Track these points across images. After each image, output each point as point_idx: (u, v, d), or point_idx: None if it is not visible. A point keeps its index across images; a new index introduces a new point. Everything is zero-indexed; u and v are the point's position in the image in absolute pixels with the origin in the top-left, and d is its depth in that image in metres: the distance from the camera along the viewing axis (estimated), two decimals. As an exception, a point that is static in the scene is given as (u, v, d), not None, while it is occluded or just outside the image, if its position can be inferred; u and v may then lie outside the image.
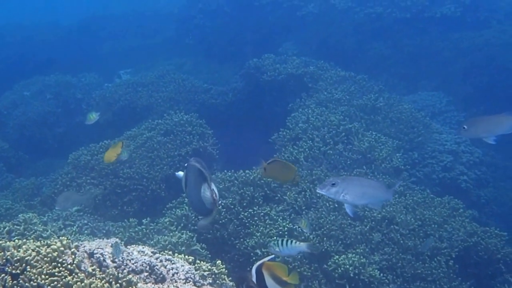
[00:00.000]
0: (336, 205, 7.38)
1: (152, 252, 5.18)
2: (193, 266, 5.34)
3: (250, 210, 7.38)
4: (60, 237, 4.76)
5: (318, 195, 7.53)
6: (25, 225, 6.66)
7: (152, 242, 6.73)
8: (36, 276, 4.14)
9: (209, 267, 5.42)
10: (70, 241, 4.64)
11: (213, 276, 5.38)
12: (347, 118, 9.53)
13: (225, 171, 8.32)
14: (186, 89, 12.85)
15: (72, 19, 24.36)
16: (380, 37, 14.93)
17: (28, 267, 4.22)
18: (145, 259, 4.94)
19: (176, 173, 7.74)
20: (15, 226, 6.63)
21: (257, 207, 7.47)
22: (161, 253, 5.32)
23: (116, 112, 12.84)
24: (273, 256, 5.78)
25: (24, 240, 4.73)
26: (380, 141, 9.03)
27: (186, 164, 6.16)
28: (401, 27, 14.94)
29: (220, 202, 6.86)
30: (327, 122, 9.25)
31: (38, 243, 4.58)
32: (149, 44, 20.25)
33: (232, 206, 7.44)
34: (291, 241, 5.45)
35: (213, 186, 5.65)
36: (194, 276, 5.15)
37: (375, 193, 5.09)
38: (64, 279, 4.17)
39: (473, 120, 5.95)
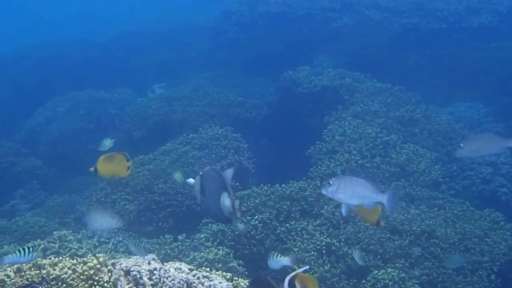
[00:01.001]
0: (375, 219, 7.26)
1: (189, 269, 5.11)
2: (231, 283, 5.26)
3: (287, 225, 7.30)
4: (97, 255, 4.72)
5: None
6: (60, 243, 6.65)
7: (188, 259, 6.66)
8: (72, 294, 4.10)
9: (247, 284, 5.35)
10: (106, 258, 4.59)
11: (250, 293, 5.30)
12: (384, 130, 9.40)
13: (261, 185, 8.25)
14: (220, 102, 12.79)
15: (106, 35, 24.51)
16: (416, 47, 14.79)
17: (64, 285, 4.18)
18: (182, 276, 4.87)
19: (187, 180, 7.71)
20: (50, 243, 6.62)
21: (294, 221, 7.39)
22: (198, 270, 5.24)
23: (150, 127, 12.80)
24: (306, 267, 5.72)
25: (60, 258, 4.70)
26: (418, 154, 8.88)
27: (201, 173, 6.21)
28: (437, 37, 14.79)
29: (241, 208, 6.80)
30: (364, 135, 9.13)
31: (74, 261, 4.54)
32: (182, 58, 20.23)
33: (269, 221, 7.37)
34: (276, 255, 5.44)
35: (232, 195, 5.72)
36: (232, 294, 5.08)
37: (365, 193, 5.08)
38: (100, 298, 4.12)
39: (468, 138, 6.27)
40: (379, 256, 6.83)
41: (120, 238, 7.77)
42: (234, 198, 5.88)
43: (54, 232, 7.07)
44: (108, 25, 28.87)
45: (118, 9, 35.44)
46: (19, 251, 4.83)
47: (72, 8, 41.56)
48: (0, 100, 18.78)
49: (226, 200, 5.76)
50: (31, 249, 5.02)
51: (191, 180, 7.69)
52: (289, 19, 16.28)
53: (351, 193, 5.15)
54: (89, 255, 6.19)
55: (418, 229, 7.20)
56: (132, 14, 29.39)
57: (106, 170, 6.38)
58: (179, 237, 7.33)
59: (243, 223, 7.36)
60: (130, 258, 5.15)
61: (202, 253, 6.79)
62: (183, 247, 7.05)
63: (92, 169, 6.26)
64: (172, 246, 7.10)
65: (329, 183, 5.23)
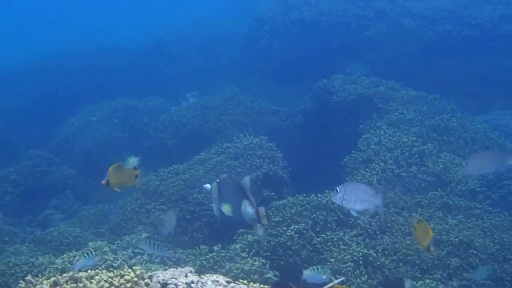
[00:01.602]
0: (412, 229, 7.17)
1: (226, 282, 5.06)
2: (268, 296, 5.22)
3: (323, 235, 7.23)
4: (133, 267, 4.69)
5: (392, 219, 7.40)
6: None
7: (224, 270, 6.62)
8: (110, 308, 4.08)
9: None
10: (143, 271, 4.56)
11: (288, 306, 5.24)
12: (420, 139, 9.28)
13: (297, 195, 8.19)
14: (254, 111, 12.76)
15: (138, 43, 24.64)
16: (450, 55, 14.66)
17: (102, 299, 4.16)
18: (220, 290, 4.83)
19: (204, 185, 7.68)
20: (77, 259, 6.61)
21: (330, 232, 7.32)
22: (236, 282, 5.19)
23: (184, 136, 12.81)
24: (342, 278, 5.69)
25: (97, 270, 4.67)
26: (454, 163, 8.76)
27: (218, 180, 6.23)
28: (471, 45, 14.65)
29: (267, 215, 6.81)
30: (400, 144, 9.03)
31: (111, 274, 4.52)
32: (214, 66, 20.27)
33: (305, 231, 7.30)
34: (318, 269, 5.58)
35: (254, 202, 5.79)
36: (269, 306, 5.03)
37: (366, 197, 5.49)
38: (138, 311, 4.09)
39: (472, 157, 6.40)
40: (416, 267, 6.73)
41: (167, 255, 7.75)
42: (257, 205, 5.96)
43: (90, 243, 7.07)
44: (140, 33, 29.01)
45: (151, 17, 35.60)
46: (87, 255, 4.98)
47: (105, 16, 41.88)
48: (33, 109, 18.93)
49: (247, 208, 5.84)
50: (95, 252, 5.14)
51: (208, 186, 7.71)
52: (322, 27, 16.21)
53: (355, 198, 5.57)
54: (125, 267, 6.18)
55: (456, 240, 7.09)
56: (165, 22, 29.43)
57: (117, 181, 6.43)
58: (214, 247, 7.28)
59: (263, 229, 7.36)
60: (167, 270, 5.11)
61: (238, 264, 6.74)
62: (219, 258, 7.01)
63: (103, 181, 6.31)
64: (207, 257, 7.06)
65: (337, 190, 5.61)
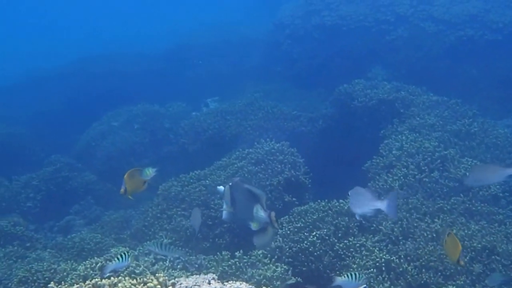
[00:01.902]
0: (434, 235, 7.14)
1: (249, 289, 5.06)
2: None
3: (345, 241, 7.21)
4: (156, 274, 4.69)
5: (415, 225, 7.37)
6: (117, 261, 6.65)
7: (246, 276, 6.61)
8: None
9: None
10: (166, 278, 4.55)
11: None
12: (442, 144, 9.23)
13: (319, 200, 8.17)
14: (275, 116, 12.75)
15: (159, 49, 24.68)
16: (472, 59, 14.56)
17: (125, 306, 4.16)
18: (243, 297, 4.82)
19: (218, 187, 7.69)
20: (107, 261, 6.63)
21: (352, 237, 7.30)
22: (258, 289, 5.20)
23: (205, 141, 12.83)
24: (365, 285, 5.66)
25: (120, 277, 4.67)
26: (477, 168, 8.71)
27: (230, 183, 6.28)
28: (492, 49, 14.53)
29: (277, 220, 6.87)
30: (422, 149, 8.98)
31: (134, 281, 4.51)
32: (235, 71, 20.25)
33: (327, 237, 7.29)
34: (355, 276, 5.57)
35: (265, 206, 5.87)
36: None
37: (363, 201, 5.87)
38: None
39: (472, 168, 6.81)
40: (439, 273, 6.69)
41: (177, 255, 7.75)
42: (269, 210, 6.02)
43: (112, 250, 7.08)
44: (162, 38, 29.07)
45: (172, 23, 35.69)
46: (120, 256, 5.06)
47: (127, 22, 42.06)
48: (55, 114, 19.03)
49: (260, 212, 5.90)
50: (127, 254, 5.20)
51: (221, 187, 7.72)
52: (342, 32, 16.17)
53: (356, 202, 6.02)
54: (147, 274, 6.19)
55: (479, 245, 7.04)
56: (185, 28, 29.48)
57: (133, 188, 6.49)
58: (236, 253, 7.26)
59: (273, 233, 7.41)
60: (189, 277, 5.11)
61: (260, 270, 6.73)
62: (241, 264, 6.99)
63: (122, 190, 6.37)
64: (229, 263, 7.04)
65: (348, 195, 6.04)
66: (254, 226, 6.28)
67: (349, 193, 6.12)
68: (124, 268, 6.23)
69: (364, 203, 5.86)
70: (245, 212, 6.41)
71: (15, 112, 19.71)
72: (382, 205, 5.73)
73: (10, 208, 11.87)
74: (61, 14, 52.67)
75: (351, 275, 5.54)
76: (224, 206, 7.65)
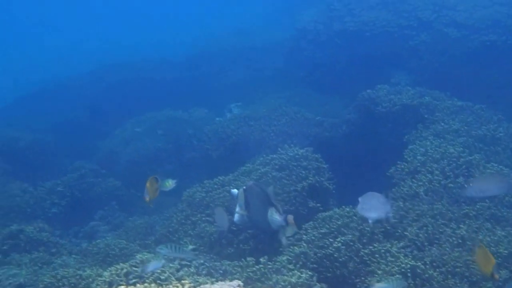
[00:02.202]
0: (460, 241, 7.10)
1: (275, 295, 5.06)
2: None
3: (370, 247, 7.18)
4: (182, 280, 4.69)
5: (440, 230, 7.33)
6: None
7: (271, 282, 6.60)
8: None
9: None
10: (192, 285, 4.56)
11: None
12: (467, 150, 9.18)
13: (343, 206, 8.16)
14: (298, 122, 12.76)
15: (182, 55, 24.76)
16: (495, 64, 14.47)
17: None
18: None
19: (232, 190, 7.73)
20: (132, 268, 6.64)
21: (377, 243, 7.27)
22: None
23: (229, 147, 12.84)
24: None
25: (146, 284, 4.68)
26: (502, 173, 8.65)
27: (245, 187, 6.34)
28: (517, 54, 14.47)
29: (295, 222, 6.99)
30: (447, 154, 8.94)
31: (160, 288, 4.52)
32: (258, 77, 20.26)
33: (352, 243, 7.26)
34: None
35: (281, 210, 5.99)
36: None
37: (379, 205, 6.26)
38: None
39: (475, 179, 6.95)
40: (465, 280, 6.65)
41: (202, 261, 7.76)
42: (285, 213, 6.10)
43: (137, 256, 7.09)
44: (184, 44, 29.17)
45: (194, 29, 35.78)
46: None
47: (149, 28, 42.20)
48: (79, 121, 19.17)
49: (275, 215, 5.99)
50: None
51: (235, 190, 7.75)
52: (365, 37, 16.15)
53: (369, 206, 6.35)
54: (172, 280, 6.20)
55: (505, 252, 6.98)
56: (208, 34, 29.56)
57: (153, 195, 6.61)
58: (261, 259, 7.26)
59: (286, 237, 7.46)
60: (215, 283, 5.11)
61: (285, 276, 6.71)
62: (266, 270, 6.98)
63: (147, 198, 6.49)
64: (254, 269, 7.03)
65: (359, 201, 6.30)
66: None
67: (360, 199, 6.45)
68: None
69: (378, 206, 6.28)
70: (259, 215, 6.47)
71: (39, 119, 19.86)
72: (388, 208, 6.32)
73: (35, 214, 11.95)
74: (84, 22, 52.93)
75: (391, 281, 5.54)
76: (237, 209, 7.72)
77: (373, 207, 6.43)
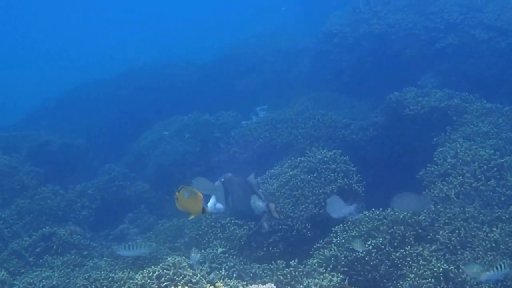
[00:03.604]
0: (494, 245, 7.07)
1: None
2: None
3: (401, 250, 7.17)
4: (216, 284, 4.72)
5: (473, 234, 7.32)
6: (175, 270, 6.70)
7: (302, 286, 6.62)
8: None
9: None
10: (224, 288, 4.59)
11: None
12: (498, 152, 9.12)
13: (373, 209, 8.15)
14: (325, 125, 12.75)
15: (208, 58, 24.82)
16: (524, 66, 14.40)
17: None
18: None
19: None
20: (164, 270, 6.69)
21: (409, 247, 7.26)
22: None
23: (256, 150, 12.89)
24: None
25: (178, 287, 4.71)
26: (534, 176, 8.61)
27: (222, 179, 6.55)
28: (545, 54, 14.38)
29: (277, 209, 7.27)
30: (477, 157, 8.89)
31: (192, 291, 4.55)
32: (284, 80, 20.27)
33: (383, 246, 7.26)
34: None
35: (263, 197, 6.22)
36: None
37: (342, 207, 7.07)
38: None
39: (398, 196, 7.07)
40: (500, 284, 6.62)
41: (232, 264, 7.80)
42: (268, 201, 6.29)
43: (168, 259, 7.14)
44: (210, 47, 29.28)
45: (220, 32, 35.92)
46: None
47: (175, 31, 42.43)
48: (109, 124, 19.31)
49: (258, 201, 6.17)
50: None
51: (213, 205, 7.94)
52: (391, 40, 16.11)
53: (334, 208, 7.18)
54: (203, 283, 6.25)
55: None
56: (233, 37, 29.63)
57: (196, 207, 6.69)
58: (291, 262, 7.28)
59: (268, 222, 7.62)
60: (248, 287, 5.14)
61: (316, 280, 6.73)
62: (296, 273, 7.01)
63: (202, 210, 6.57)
64: (284, 272, 7.06)
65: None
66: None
67: (327, 201, 7.39)
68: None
69: (342, 208, 7.09)
70: (242, 203, 6.65)
71: (70, 122, 20.05)
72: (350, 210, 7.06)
73: (66, 217, 12.05)
74: (111, 26, 53.38)
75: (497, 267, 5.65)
76: (212, 200, 7.89)
77: (337, 208, 7.12)
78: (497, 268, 5.73)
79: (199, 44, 32.90)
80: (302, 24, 26.66)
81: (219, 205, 7.89)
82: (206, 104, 18.03)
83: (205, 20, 44.90)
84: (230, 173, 7.56)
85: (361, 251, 7.07)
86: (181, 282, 6.35)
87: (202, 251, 8.07)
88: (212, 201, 8.01)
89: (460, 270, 6.63)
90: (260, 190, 6.95)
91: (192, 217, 6.85)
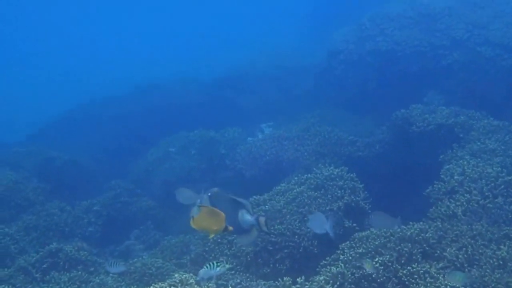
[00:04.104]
0: (501, 262, 7.05)
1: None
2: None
3: (409, 268, 7.15)
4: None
5: (480, 251, 7.29)
6: (182, 286, 6.70)
7: (309, 303, 6.61)
8: None
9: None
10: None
11: None
12: (505, 170, 9.12)
13: (380, 226, 8.16)
14: (331, 141, 12.79)
15: (212, 76, 24.89)
16: (529, 84, 14.40)
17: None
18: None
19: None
20: (171, 287, 6.68)
21: (416, 264, 7.24)
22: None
23: (262, 167, 12.91)
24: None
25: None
26: (541, 194, 8.60)
27: (209, 194, 6.62)
28: (551, 73, 14.38)
29: (267, 224, 7.16)
30: (484, 174, 8.89)
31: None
32: (288, 97, 20.32)
33: (390, 264, 7.24)
34: None
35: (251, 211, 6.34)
36: None
37: (322, 223, 7.61)
38: None
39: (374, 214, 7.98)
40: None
41: (238, 280, 7.80)
42: (258, 215, 6.40)
43: (176, 275, 7.13)
44: (215, 65, 29.33)
45: (224, 50, 36.04)
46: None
47: (181, 48, 42.57)
48: (115, 140, 19.36)
49: (246, 215, 6.24)
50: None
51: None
52: (397, 57, 16.12)
53: (315, 223, 7.78)
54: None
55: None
56: (239, 55, 29.70)
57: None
58: (298, 279, 7.27)
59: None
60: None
61: (323, 297, 6.73)
62: (303, 289, 7.02)
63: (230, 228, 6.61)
64: (291, 289, 7.07)
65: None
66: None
67: (309, 216, 8.20)
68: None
69: (322, 224, 7.64)
70: (229, 217, 6.71)
71: (75, 139, 20.10)
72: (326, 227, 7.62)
73: (73, 233, 12.07)
74: (120, 44, 53.68)
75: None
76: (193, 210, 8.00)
77: (317, 224, 7.67)
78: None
79: (205, 62, 32.97)
80: (307, 41, 26.74)
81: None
82: (210, 120, 18.05)
83: (212, 39, 45.03)
84: (216, 188, 7.63)
85: (372, 272, 7.04)
86: (187, 300, 6.35)
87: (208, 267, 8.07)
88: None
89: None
90: (248, 204, 7.03)
91: (212, 235, 6.82)
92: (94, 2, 64.90)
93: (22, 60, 52.57)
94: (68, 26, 61.64)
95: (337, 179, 9.80)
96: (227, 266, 8.25)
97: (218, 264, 6.44)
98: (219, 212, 6.50)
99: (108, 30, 59.64)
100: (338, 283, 7.21)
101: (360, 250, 7.67)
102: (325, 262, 7.95)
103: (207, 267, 6.25)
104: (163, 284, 6.84)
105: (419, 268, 7.11)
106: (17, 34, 59.99)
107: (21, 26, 62.10)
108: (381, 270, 7.18)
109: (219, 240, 9.12)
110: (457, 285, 6.51)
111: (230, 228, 6.56)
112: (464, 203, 8.37)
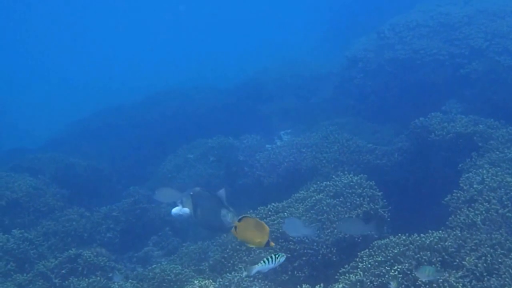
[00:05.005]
0: (521, 272, 7.02)
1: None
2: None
3: (428, 276, 7.14)
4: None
5: (499, 261, 7.26)
6: (203, 293, 6.73)
7: (328, 310, 6.62)
8: None
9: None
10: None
11: None
12: (524, 179, 9.10)
13: (399, 234, 8.14)
14: (350, 149, 12.78)
15: (232, 84, 24.97)
16: (549, 93, 14.34)
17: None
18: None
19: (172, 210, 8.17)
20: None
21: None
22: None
23: (281, 174, 12.91)
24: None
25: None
26: (561, 203, 8.55)
27: (191, 193, 6.68)
28: None
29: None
30: (504, 183, 8.85)
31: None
32: (307, 105, 20.38)
33: (409, 272, 7.23)
34: None
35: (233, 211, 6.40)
36: None
37: (299, 228, 8.04)
38: None
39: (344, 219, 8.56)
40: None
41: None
42: (237, 215, 6.46)
43: (195, 282, 7.17)
44: (234, 72, 29.45)
45: (244, 58, 36.14)
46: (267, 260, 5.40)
47: (203, 58, 42.71)
48: (133, 147, 19.46)
49: (228, 215, 6.33)
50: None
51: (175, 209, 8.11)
52: (416, 65, 16.11)
53: (292, 228, 8.01)
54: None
55: None
56: (257, 63, 29.78)
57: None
58: (316, 287, 7.29)
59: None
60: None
61: (343, 304, 6.73)
62: (322, 297, 7.02)
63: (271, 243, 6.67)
64: (310, 296, 7.08)
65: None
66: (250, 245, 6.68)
67: (285, 220, 8.39)
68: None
69: (299, 229, 8.00)
70: (211, 216, 6.77)
71: (95, 145, 20.24)
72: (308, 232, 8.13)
73: (92, 238, 12.12)
74: (137, 52, 53.94)
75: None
76: (178, 206, 8.07)
77: (294, 229, 7.96)
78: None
79: (223, 70, 33.10)
80: (326, 50, 26.78)
81: (186, 210, 8.15)
82: (228, 127, 18.10)
83: (231, 48, 45.15)
84: (198, 187, 7.73)
85: None
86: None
87: (228, 274, 8.09)
88: (178, 206, 8.23)
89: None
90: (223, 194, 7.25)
91: (252, 245, 6.86)
92: (112, 13, 65.47)
93: (43, 71, 52.96)
94: (86, 36, 62.07)
95: (356, 186, 9.81)
96: (245, 273, 8.30)
97: (277, 256, 6.47)
98: (264, 226, 6.51)
99: (124, 40, 59.93)
100: (357, 291, 7.23)
101: (379, 258, 7.67)
102: (344, 269, 7.94)
103: (264, 262, 6.27)
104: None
105: (438, 277, 7.10)
106: (41, 47, 60.37)
107: (45, 39, 62.51)
108: (400, 279, 7.18)
109: (237, 247, 9.13)
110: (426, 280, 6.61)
111: (272, 243, 6.58)
112: (483, 212, 8.33)
